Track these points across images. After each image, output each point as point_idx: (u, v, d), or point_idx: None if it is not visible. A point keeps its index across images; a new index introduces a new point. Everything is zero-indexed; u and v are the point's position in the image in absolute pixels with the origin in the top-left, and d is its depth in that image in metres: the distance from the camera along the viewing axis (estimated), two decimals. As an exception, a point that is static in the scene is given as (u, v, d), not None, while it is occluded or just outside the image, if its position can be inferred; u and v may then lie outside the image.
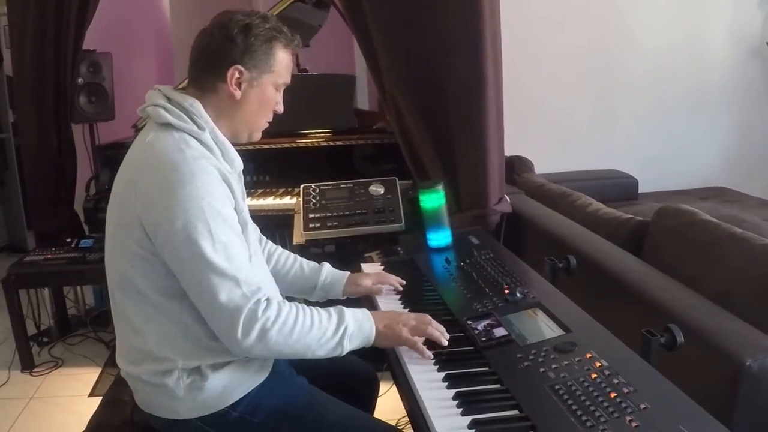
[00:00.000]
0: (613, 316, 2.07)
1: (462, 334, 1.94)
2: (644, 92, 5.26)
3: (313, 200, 3.12)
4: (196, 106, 1.86)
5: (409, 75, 3.07)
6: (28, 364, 4.19)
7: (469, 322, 1.95)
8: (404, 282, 2.35)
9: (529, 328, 1.86)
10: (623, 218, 2.70)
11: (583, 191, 3.37)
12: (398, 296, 2.31)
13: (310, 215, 3.07)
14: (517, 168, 3.96)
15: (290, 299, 1.94)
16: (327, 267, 2.35)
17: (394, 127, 3.28)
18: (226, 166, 1.88)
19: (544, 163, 4.44)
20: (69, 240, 4.31)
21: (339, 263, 2.50)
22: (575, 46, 5.05)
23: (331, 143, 3.92)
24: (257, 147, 3.87)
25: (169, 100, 1.88)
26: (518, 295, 2.04)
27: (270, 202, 3.83)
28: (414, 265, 2.55)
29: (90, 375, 3.95)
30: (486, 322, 1.92)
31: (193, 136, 1.83)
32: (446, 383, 1.70)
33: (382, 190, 3.11)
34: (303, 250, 3.15)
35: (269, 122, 2.02)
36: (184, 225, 1.70)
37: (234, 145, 1.97)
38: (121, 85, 4.75)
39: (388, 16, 3.02)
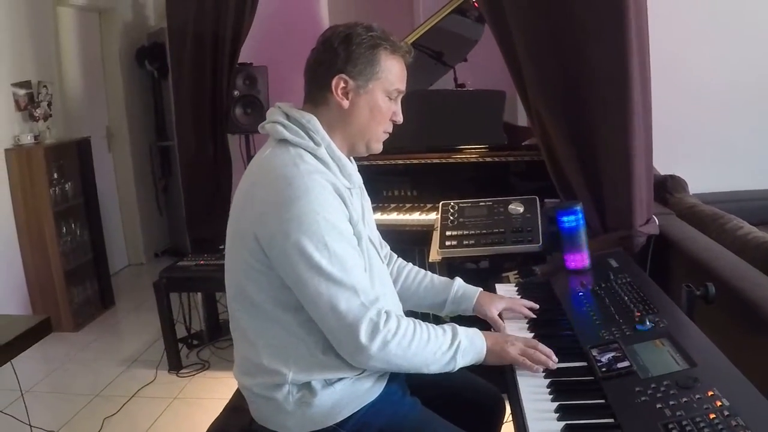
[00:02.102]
0: (749, 352, 1.96)
1: (584, 363, 1.89)
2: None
3: (451, 217, 3.12)
4: (313, 122, 1.91)
5: (553, 90, 3.01)
6: (175, 365, 4.40)
7: (593, 352, 1.89)
8: (537, 307, 2.31)
9: (653, 359, 1.78)
10: (774, 243, 2.54)
11: (740, 213, 3.18)
12: (525, 320, 2.27)
13: (447, 233, 3.06)
14: (669, 188, 3.79)
15: (416, 316, 1.96)
16: (459, 280, 2.35)
17: (540, 144, 3.23)
18: (343, 181, 1.92)
19: (701, 183, 4.19)
20: (222, 247, 4.46)
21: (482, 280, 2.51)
22: (733, 55, 4.71)
23: (480, 159, 3.89)
24: (406, 162, 3.94)
25: (288, 116, 1.93)
26: (648, 323, 1.96)
27: (416, 217, 3.84)
28: (549, 287, 2.50)
29: (234, 379, 4.09)
30: (611, 354, 1.85)
31: (309, 152, 1.88)
32: (557, 414, 1.67)
33: (521, 209, 3.06)
34: (459, 266, 3.15)
35: (389, 132, 2.03)
36: (300, 238, 1.75)
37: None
38: (276, 97, 4.88)
39: (533, 31, 2.98)
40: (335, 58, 1.90)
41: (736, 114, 4.80)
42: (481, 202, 3.17)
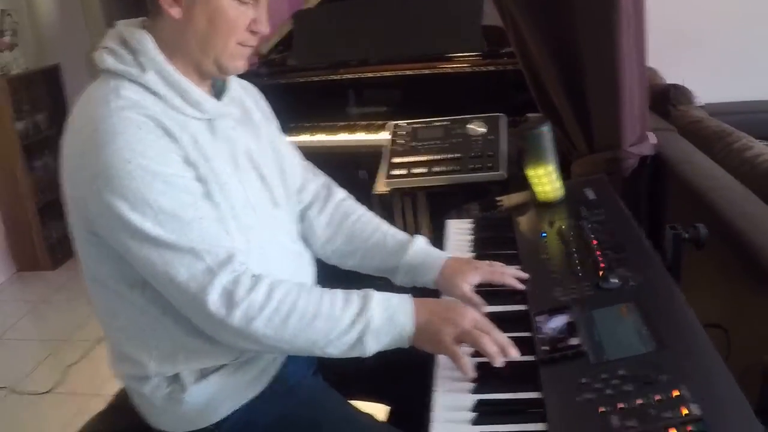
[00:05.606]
0: (746, 319, 1.51)
1: (529, 334, 1.44)
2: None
3: (402, 141, 2.63)
4: (144, 41, 1.43)
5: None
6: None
7: (538, 320, 1.45)
8: (526, 276, 1.68)
9: (612, 334, 1.34)
10: (783, 169, 2.05)
11: (754, 126, 2.70)
12: None
13: (395, 159, 2.58)
14: (673, 98, 3.25)
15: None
16: (419, 241, 1.75)
17: (516, 51, 2.72)
18: (187, 111, 1.45)
19: (711, 92, 3.64)
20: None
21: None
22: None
23: (453, 70, 3.33)
24: (362, 76, 3.37)
25: (123, 40, 1.46)
26: (612, 280, 1.51)
27: (382, 137, 3.30)
28: (509, 226, 2.03)
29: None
30: (559, 323, 1.41)
31: (134, 81, 1.41)
32: (473, 415, 1.24)
33: (482, 130, 2.56)
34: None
35: (250, 46, 1.51)
36: (111, 199, 1.32)
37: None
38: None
39: None
40: None
41: (747, 16, 4.14)
42: (436, 121, 2.68)
